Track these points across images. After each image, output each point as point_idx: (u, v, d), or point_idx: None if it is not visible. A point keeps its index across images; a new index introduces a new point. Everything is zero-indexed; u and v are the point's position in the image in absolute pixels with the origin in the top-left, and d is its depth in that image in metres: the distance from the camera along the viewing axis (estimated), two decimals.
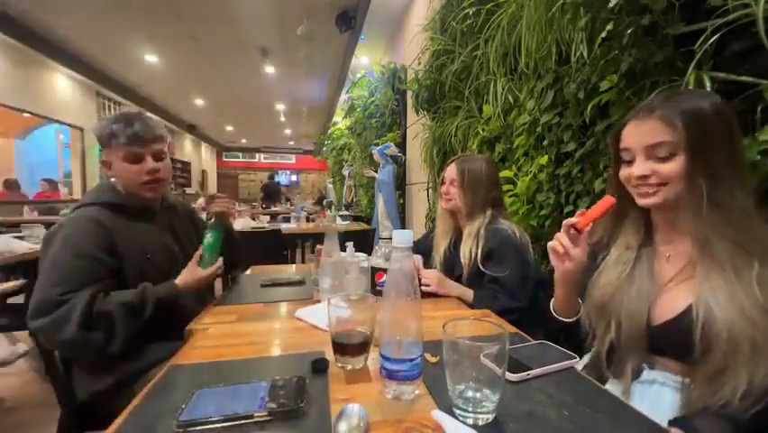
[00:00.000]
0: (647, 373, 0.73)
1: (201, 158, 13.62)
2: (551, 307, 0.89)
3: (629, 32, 1.03)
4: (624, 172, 0.75)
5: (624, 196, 0.77)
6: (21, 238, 2.49)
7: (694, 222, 0.68)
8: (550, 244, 0.80)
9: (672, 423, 0.63)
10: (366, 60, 5.16)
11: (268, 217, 4.70)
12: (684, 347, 0.66)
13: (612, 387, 0.74)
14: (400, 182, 3.92)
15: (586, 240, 0.78)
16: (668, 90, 0.82)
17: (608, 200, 0.76)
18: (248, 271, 1.56)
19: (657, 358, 0.73)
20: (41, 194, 5.82)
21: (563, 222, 0.79)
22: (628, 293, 0.75)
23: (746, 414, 0.58)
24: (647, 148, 0.70)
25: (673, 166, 0.67)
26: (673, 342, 0.69)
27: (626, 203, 0.78)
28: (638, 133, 0.71)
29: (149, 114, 1.83)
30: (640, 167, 0.71)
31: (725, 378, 0.61)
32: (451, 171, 1.35)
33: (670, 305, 0.71)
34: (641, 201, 0.73)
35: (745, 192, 0.65)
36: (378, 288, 1.00)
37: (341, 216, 4.45)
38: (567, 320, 0.85)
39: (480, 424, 0.51)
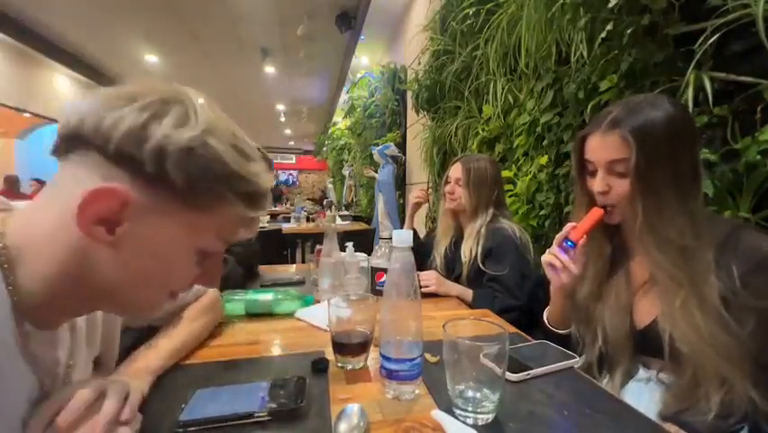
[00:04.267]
0: (640, 373, 0.73)
1: None
2: (545, 317, 0.89)
3: (629, 32, 1.03)
4: (590, 183, 0.75)
5: (592, 203, 0.77)
6: None
7: (639, 243, 0.70)
8: (544, 258, 0.79)
9: (664, 418, 0.63)
10: (366, 61, 5.16)
11: (268, 217, 4.69)
12: (663, 351, 0.66)
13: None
14: (400, 182, 3.92)
15: (582, 253, 0.77)
16: (632, 96, 0.81)
17: (596, 212, 0.75)
18: None
19: (646, 358, 0.73)
20: (34, 194, 5.83)
21: (556, 236, 0.78)
22: (608, 301, 0.76)
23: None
24: (608, 163, 0.70)
25: (624, 185, 0.69)
26: (655, 345, 0.69)
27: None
28: (602, 148, 0.71)
29: None
30: (599, 182, 0.72)
31: (699, 393, 0.62)
32: (455, 171, 1.35)
33: (647, 309, 0.72)
34: (607, 219, 0.75)
35: (691, 207, 0.65)
36: (378, 288, 1.00)
37: (341, 216, 4.45)
38: (560, 332, 0.85)
39: (480, 424, 0.51)
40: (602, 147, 0.70)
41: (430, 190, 1.85)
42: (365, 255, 1.23)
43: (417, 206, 1.65)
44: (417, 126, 3.17)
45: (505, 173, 1.74)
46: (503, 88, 1.78)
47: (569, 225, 0.77)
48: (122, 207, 0.37)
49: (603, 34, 1.07)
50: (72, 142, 0.38)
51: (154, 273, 0.42)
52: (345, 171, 6.53)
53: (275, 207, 7.07)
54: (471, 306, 1.15)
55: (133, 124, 0.36)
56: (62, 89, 6.33)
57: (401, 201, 3.95)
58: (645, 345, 0.71)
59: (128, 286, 0.41)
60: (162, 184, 0.38)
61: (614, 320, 0.74)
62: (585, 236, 0.74)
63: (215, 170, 0.40)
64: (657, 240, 0.66)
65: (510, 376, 0.61)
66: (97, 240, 0.38)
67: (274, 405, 0.52)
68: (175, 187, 0.38)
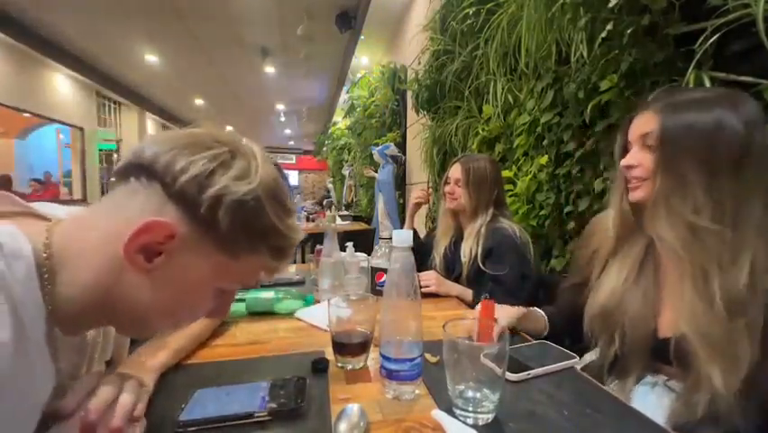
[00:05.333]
0: (649, 378, 0.71)
1: None
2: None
3: (629, 32, 1.03)
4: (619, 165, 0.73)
5: (629, 216, 0.75)
6: None
7: (649, 217, 0.67)
8: None
9: (674, 428, 0.62)
10: (366, 60, 5.16)
11: None
12: (674, 358, 0.64)
13: (613, 391, 0.73)
14: (400, 182, 3.92)
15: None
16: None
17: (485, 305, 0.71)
18: None
19: (661, 366, 0.71)
20: (32, 195, 5.82)
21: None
22: (632, 307, 0.71)
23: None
24: (640, 137, 0.68)
25: (652, 159, 0.66)
26: (670, 354, 0.66)
27: (630, 223, 0.75)
28: (636, 125, 0.70)
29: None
30: (627, 157, 0.70)
31: (705, 401, 0.60)
32: (455, 171, 1.35)
33: (671, 318, 0.68)
34: (630, 196, 0.71)
35: (719, 187, 0.60)
36: (378, 288, 1.00)
37: (341, 216, 4.45)
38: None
39: (480, 424, 0.51)
40: (636, 124, 0.70)
41: (430, 190, 1.84)
42: (365, 255, 1.23)
43: (418, 206, 1.64)
44: (417, 126, 3.17)
45: (505, 173, 1.74)
46: (503, 88, 1.78)
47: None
48: (166, 240, 0.40)
49: (603, 34, 1.07)
50: (139, 171, 0.41)
51: (175, 304, 0.45)
52: (345, 171, 6.53)
53: None
54: (471, 306, 1.15)
55: (202, 171, 0.40)
56: (62, 89, 6.32)
57: (401, 201, 3.95)
58: (662, 354, 0.68)
59: (148, 311, 0.44)
60: (208, 227, 0.41)
61: (637, 327, 0.70)
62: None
63: (258, 222, 0.43)
64: (668, 213, 0.63)
65: (510, 376, 0.61)
66: (135, 265, 0.40)
67: (274, 405, 0.52)
68: (218, 231, 0.42)
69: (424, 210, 3.11)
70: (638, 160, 0.68)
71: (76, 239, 0.41)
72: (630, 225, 0.75)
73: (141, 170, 0.41)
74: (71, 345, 0.47)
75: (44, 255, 0.39)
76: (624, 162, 0.70)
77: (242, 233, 0.43)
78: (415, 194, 1.63)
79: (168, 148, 0.41)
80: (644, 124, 0.68)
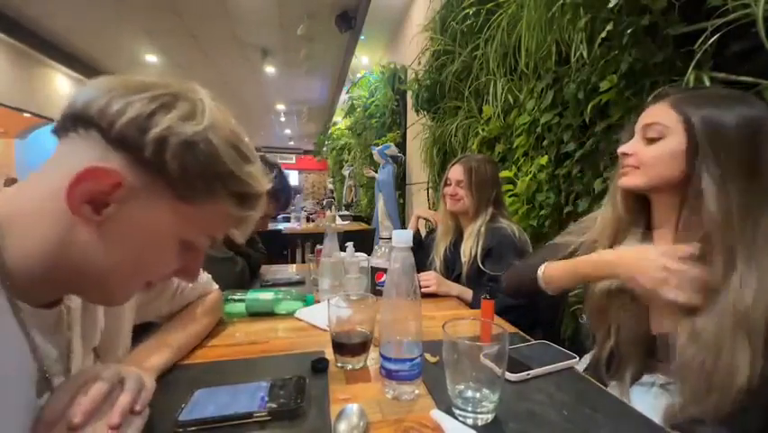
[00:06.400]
0: (647, 377, 0.71)
1: None
2: (542, 270, 0.84)
3: (629, 32, 1.03)
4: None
5: (626, 209, 0.75)
6: None
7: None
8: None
9: (673, 427, 0.62)
10: (366, 60, 5.16)
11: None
12: (672, 356, 0.64)
13: (612, 391, 0.73)
14: (400, 182, 3.92)
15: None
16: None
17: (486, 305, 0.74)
18: None
19: (656, 364, 0.71)
20: None
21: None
22: (627, 300, 0.72)
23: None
24: (643, 128, 0.68)
25: (655, 149, 0.66)
26: (666, 351, 0.67)
27: (627, 214, 0.75)
28: (644, 115, 0.70)
29: None
30: (626, 145, 0.70)
31: (705, 401, 0.59)
32: (456, 173, 1.35)
33: (666, 314, 0.68)
34: (619, 181, 0.72)
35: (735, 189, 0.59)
36: (378, 288, 1.00)
37: (341, 216, 4.45)
38: (550, 292, 0.83)
39: (480, 424, 0.51)
40: (644, 114, 0.70)
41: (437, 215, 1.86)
42: (365, 255, 1.23)
43: (421, 219, 1.69)
44: (417, 126, 3.17)
45: (505, 173, 1.74)
46: (503, 88, 1.78)
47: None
48: (112, 189, 0.38)
49: (603, 34, 1.07)
50: (75, 122, 0.39)
51: (134, 259, 0.42)
52: (345, 171, 6.53)
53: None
54: (471, 306, 1.15)
55: (141, 112, 0.38)
56: (62, 89, 6.32)
57: (401, 201, 3.95)
58: (656, 350, 0.69)
59: (106, 270, 0.41)
60: (157, 172, 0.39)
61: (630, 322, 0.71)
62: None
63: (212, 166, 0.41)
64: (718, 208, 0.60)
65: (510, 376, 0.61)
66: (83, 218, 0.38)
67: (274, 405, 0.52)
68: (169, 176, 0.39)
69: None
70: (634, 149, 0.69)
71: (18, 203, 0.39)
72: (627, 217, 0.75)
73: (76, 120, 0.39)
74: (44, 321, 0.43)
75: None
76: (620, 149, 0.71)
77: (197, 178, 0.40)
78: (422, 213, 1.68)
79: (101, 93, 0.38)
80: (649, 114, 0.68)
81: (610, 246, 0.76)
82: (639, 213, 0.75)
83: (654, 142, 0.66)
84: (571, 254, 0.84)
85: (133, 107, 0.38)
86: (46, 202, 0.38)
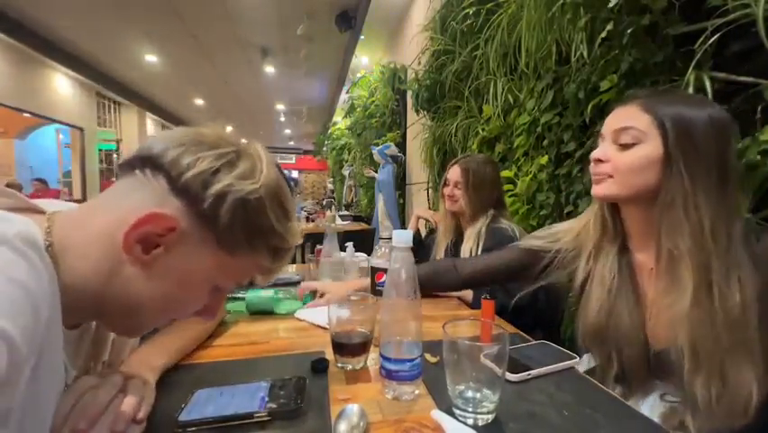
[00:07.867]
0: (651, 398, 0.69)
1: None
2: None
3: (629, 32, 1.03)
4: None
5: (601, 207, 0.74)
6: None
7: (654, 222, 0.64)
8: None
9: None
10: (366, 60, 5.16)
11: None
12: (676, 371, 0.62)
13: None
14: (400, 182, 3.91)
15: None
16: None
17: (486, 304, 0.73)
18: None
19: (659, 379, 0.69)
20: (34, 195, 5.84)
21: None
22: (621, 320, 0.70)
23: None
24: (615, 132, 0.66)
25: (630, 156, 0.63)
26: (669, 367, 0.65)
27: (602, 213, 0.74)
28: (613, 117, 0.67)
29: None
30: (599, 150, 0.67)
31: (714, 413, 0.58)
32: (454, 174, 1.34)
33: (662, 328, 0.67)
34: (592, 190, 0.69)
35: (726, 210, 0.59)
36: (378, 288, 1.00)
37: (341, 216, 4.45)
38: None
39: (480, 424, 0.51)
40: (614, 116, 0.67)
41: (437, 215, 1.86)
42: (365, 255, 1.23)
43: (421, 219, 1.69)
44: (417, 126, 3.17)
45: (505, 173, 1.74)
46: (503, 88, 1.78)
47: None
48: (166, 232, 0.41)
49: (603, 34, 1.07)
50: (145, 163, 0.42)
51: (169, 298, 0.45)
52: (345, 171, 6.53)
53: None
54: (472, 306, 1.15)
55: (208, 168, 0.41)
56: (62, 89, 6.33)
57: (401, 201, 3.95)
58: (660, 367, 0.67)
59: (142, 305, 0.44)
60: (209, 224, 0.42)
61: (628, 341, 0.69)
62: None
63: (258, 221, 0.44)
64: (687, 218, 0.59)
65: (510, 376, 0.61)
66: (133, 256, 0.41)
67: (274, 405, 0.52)
68: (218, 228, 0.42)
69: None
70: (607, 155, 0.66)
71: (76, 228, 0.41)
72: (606, 226, 0.74)
73: (147, 162, 0.42)
74: (68, 341, 0.45)
75: (47, 243, 0.38)
76: (593, 155, 0.68)
77: (242, 231, 0.43)
78: (422, 213, 1.67)
79: (176, 144, 0.42)
80: (621, 117, 0.65)
81: (595, 259, 0.75)
82: (616, 224, 0.73)
83: (629, 148, 0.63)
84: (547, 266, 0.83)
85: (203, 163, 0.41)
86: (102, 233, 0.41)
